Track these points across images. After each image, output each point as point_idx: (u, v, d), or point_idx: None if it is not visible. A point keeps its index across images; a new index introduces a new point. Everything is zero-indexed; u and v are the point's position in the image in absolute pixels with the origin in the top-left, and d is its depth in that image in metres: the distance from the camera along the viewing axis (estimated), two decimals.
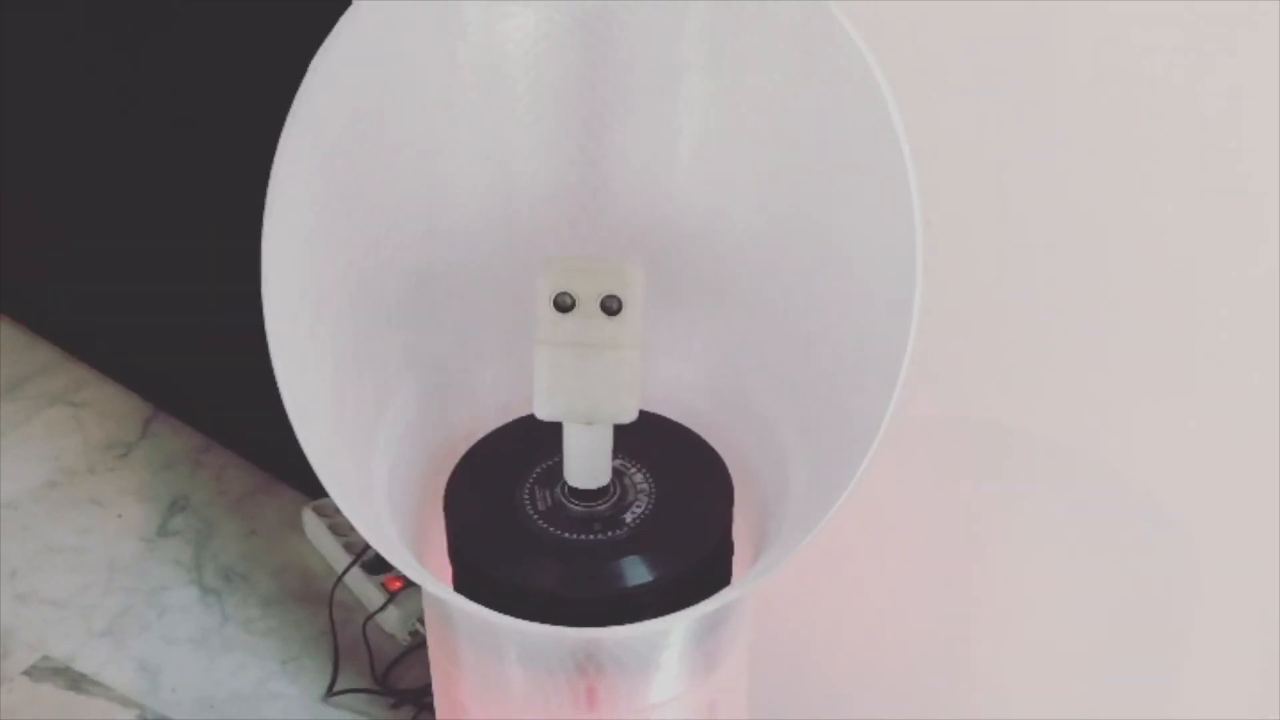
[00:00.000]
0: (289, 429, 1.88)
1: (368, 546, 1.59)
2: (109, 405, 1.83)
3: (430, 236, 0.72)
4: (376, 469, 0.76)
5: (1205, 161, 0.76)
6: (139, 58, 1.62)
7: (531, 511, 0.77)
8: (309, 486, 1.69)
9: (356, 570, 1.58)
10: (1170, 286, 0.81)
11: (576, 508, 0.77)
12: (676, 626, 0.73)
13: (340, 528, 1.62)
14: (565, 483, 0.77)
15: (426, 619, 0.82)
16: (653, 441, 0.80)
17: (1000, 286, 0.86)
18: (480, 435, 0.80)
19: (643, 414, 0.80)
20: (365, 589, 1.57)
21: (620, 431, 0.77)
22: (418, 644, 1.54)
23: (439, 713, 0.88)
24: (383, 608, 1.55)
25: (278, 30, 1.35)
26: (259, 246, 1.64)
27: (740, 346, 0.76)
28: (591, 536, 0.76)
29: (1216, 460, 0.86)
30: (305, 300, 0.67)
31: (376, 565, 1.58)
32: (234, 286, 1.68)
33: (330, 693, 1.51)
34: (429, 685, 1.44)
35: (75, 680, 1.53)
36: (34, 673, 1.54)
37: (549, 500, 0.77)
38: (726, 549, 0.77)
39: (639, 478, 0.78)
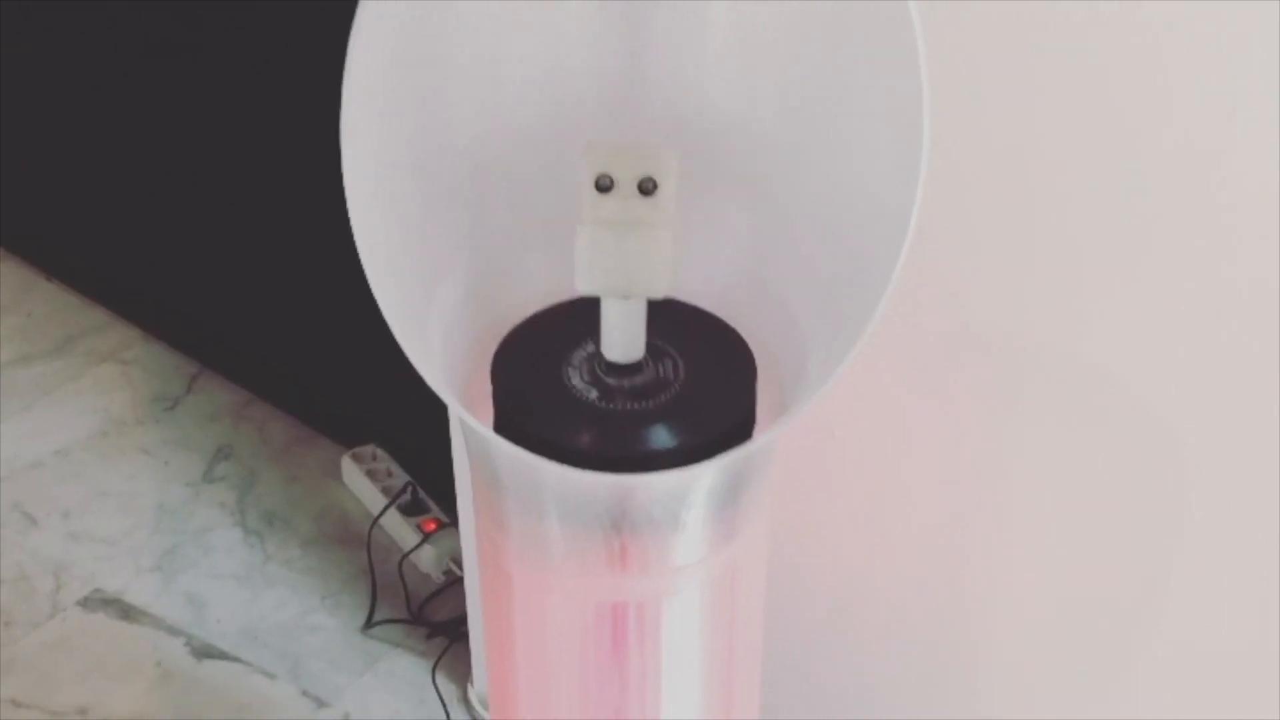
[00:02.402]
0: (328, 384, 1.98)
1: (403, 490, 1.66)
2: (156, 363, 1.91)
3: (483, 124, 0.79)
4: (432, 344, 0.83)
5: (1216, 67, 0.83)
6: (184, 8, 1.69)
7: (571, 384, 0.84)
8: (346, 437, 1.77)
9: (393, 512, 1.65)
10: (1182, 203, 0.88)
11: (612, 381, 0.84)
12: (702, 480, 0.80)
13: (377, 474, 1.70)
14: (603, 358, 0.84)
15: (474, 487, 0.89)
16: (684, 327, 0.87)
17: (1013, 200, 0.93)
18: (527, 317, 0.87)
19: (674, 302, 0.87)
20: (401, 530, 1.65)
21: (654, 316, 0.84)
22: (451, 582, 1.61)
23: (484, 590, 0.95)
24: (418, 546, 1.62)
25: None
26: (300, 212, 1.74)
27: (765, 233, 0.83)
28: (626, 406, 0.83)
29: (1220, 373, 0.93)
30: (372, 175, 0.74)
31: (412, 508, 1.66)
32: (277, 251, 1.76)
33: (368, 624, 1.59)
34: (463, 618, 1.52)
35: (126, 610, 1.61)
36: (87, 603, 1.62)
37: (587, 375, 0.84)
38: (749, 422, 0.84)
39: (670, 357, 0.86)
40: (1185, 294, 0.91)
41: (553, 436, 0.82)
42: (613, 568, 0.86)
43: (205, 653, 1.56)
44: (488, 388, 0.86)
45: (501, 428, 0.84)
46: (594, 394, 0.84)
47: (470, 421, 0.76)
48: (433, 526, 1.63)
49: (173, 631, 1.59)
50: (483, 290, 0.86)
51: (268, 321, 1.83)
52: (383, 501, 1.66)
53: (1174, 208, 0.88)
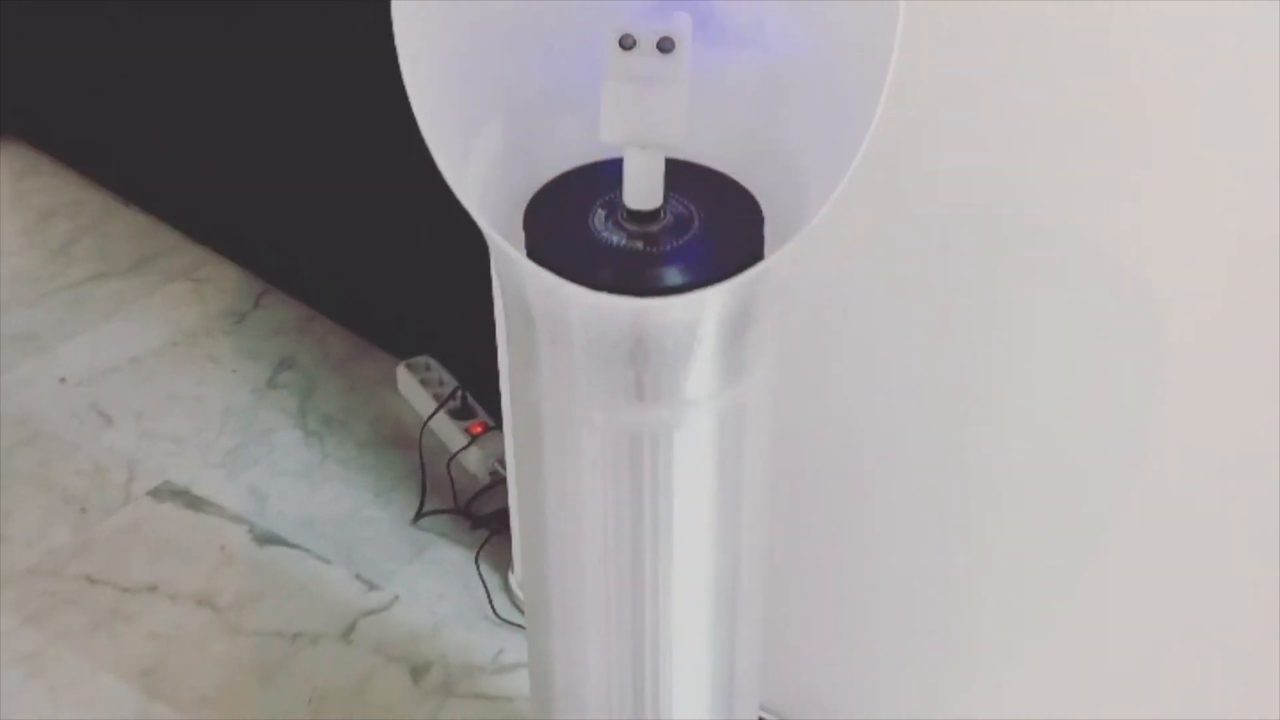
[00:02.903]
0: (384, 301, 2.08)
1: (452, 394, 1.77)
2: (225, 281, 2.03)
3: None
4: (469, 195, 0.93)
5: None
6: None
7: (596, 230, 0.94)
8: (400, 349, 1.88)
9: (443, 416, 1.76)
10: (1174, 74, 0.96)
11: (633, 228, 0.94)
12: (711, 305, 0.89)
13: (429, 382, 1.81)
14: (625, 208, 0.94)
15: (510, 331, 0.99)
16: (698, 184, 0.96)
17: (1001, 78, 1.02)
18: (556, 175, 0.97)
19: (689, 163, 0.97)
20: (451, 433, 1.75)
21: (671, 176, 0.94)
22: (496, 481, 1.71)
23: (516, 431, 1.05)
24: (465, 447, 1.73)
25: None
26: (358, 140, 1.84)
27: (768, 94, 0.93)
28: (644, 248, 0.93)
29: (1206, 241, 1.01)
30: (418, 24, 0.84)
31: (461, 412, 1.76)
32: (338, 178, 1.87)
33: (417, 516, 1.69)
34: (505, 512, 1.62)
35: (193, 501, 1.72)
36: (157, 494, 1.74)
37: (611, 223, 0.94)
38: (757, 261, 0.94)
39: (686, 209, 0.95)
40: (1169, 160, 0.99)
41: (578, 274, 0.91)
42: (630, 400, 0.95)
43: (266, 539, 1.68)
44: (520, 240, 0.96)
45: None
46: (615, 238, 0.94)
47: (503, 246, 0.86)
48: (479, 429, 1.73)
49: (236, 520, 1.70)
50: (519, 149, 0.96)
51: (329, 242, 1.94)
52: (434, 407, 1.77)
53: (1157, 72, 0.96)
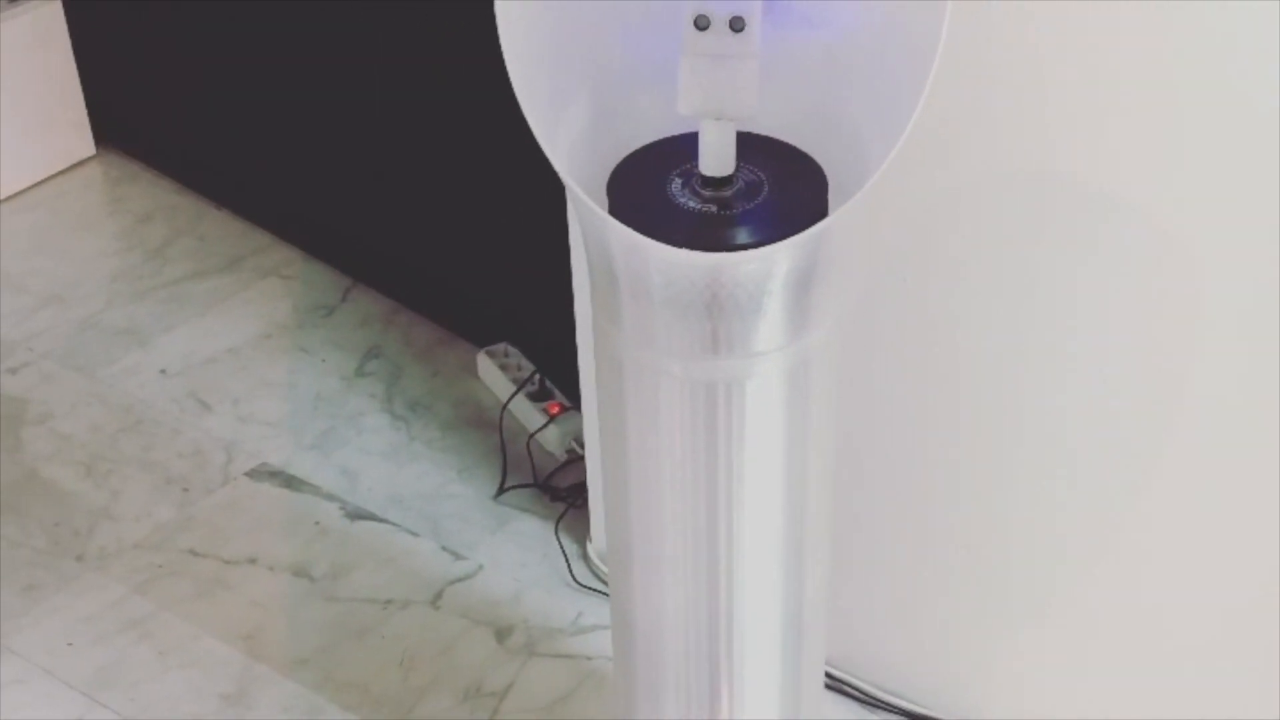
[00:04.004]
0: (466, 294, 2.19)
1: (530, 378, 1.86)
2: (314, 278, 2.14)
3: None
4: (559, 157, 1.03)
5: None
6: None
7: (673, 195, 1.03)
8: (481, 338, 1.98)
9: (521, 398, 1.86)
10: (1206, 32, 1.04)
11: (707, 193, 1.03)
12: (779, 260, 0.98)
13: (508, 367, 1.90)
14: (700, 176, 1.03)
15: (594, 292, 1.08)
16: (768, 155, 1.06)
17: (1038, 44, 1.11)
18: (637, 147, 1.07)
19: (759, 136, 1.06)
20: (529, 414, 1.85)
21: (743, 146, 1.03)
22: (573, 459, 1.81)
23: (599, 383, 1.14)
24: (544, 427, 1.82)
25: None
26: (440, 143, 1.94)
27: (831, 69, 1.02)
28: (719, 211, 1.02)
29: (1241, 198, 1.09)
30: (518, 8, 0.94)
31: (539, 394, 1.86)
32: (421, 179, 1.97)
33: (499, 492, 1.79)
34: (583, 486, 1.72)
35: (288, 480, 1.83)
36: (254, 474, 1.84)
37: (687, 190, 1.03)
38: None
39: (756, 176, 1.04)
40: (1201, 120, 1.07)
41: (657, 234, 1.00)
42: (705, 351, 1.05)
43: (357, 515, 1.78)
44: (605, 205, 1.05)
45: None
46: (692, 203, 1.03)
47: (590, 205, 0.95)
48: (557, 409, 1.83)
49: (329, 497, 1.80)
50: (602, 122, 1.06)
51: (414, 238, 2.04)
52: (513, 391, 1.86)
53: (1197, 38, 1.04)
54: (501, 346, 1.93)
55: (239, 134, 2.21)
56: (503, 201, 1.90)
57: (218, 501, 1.80)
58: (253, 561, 1.73)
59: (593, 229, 1.02)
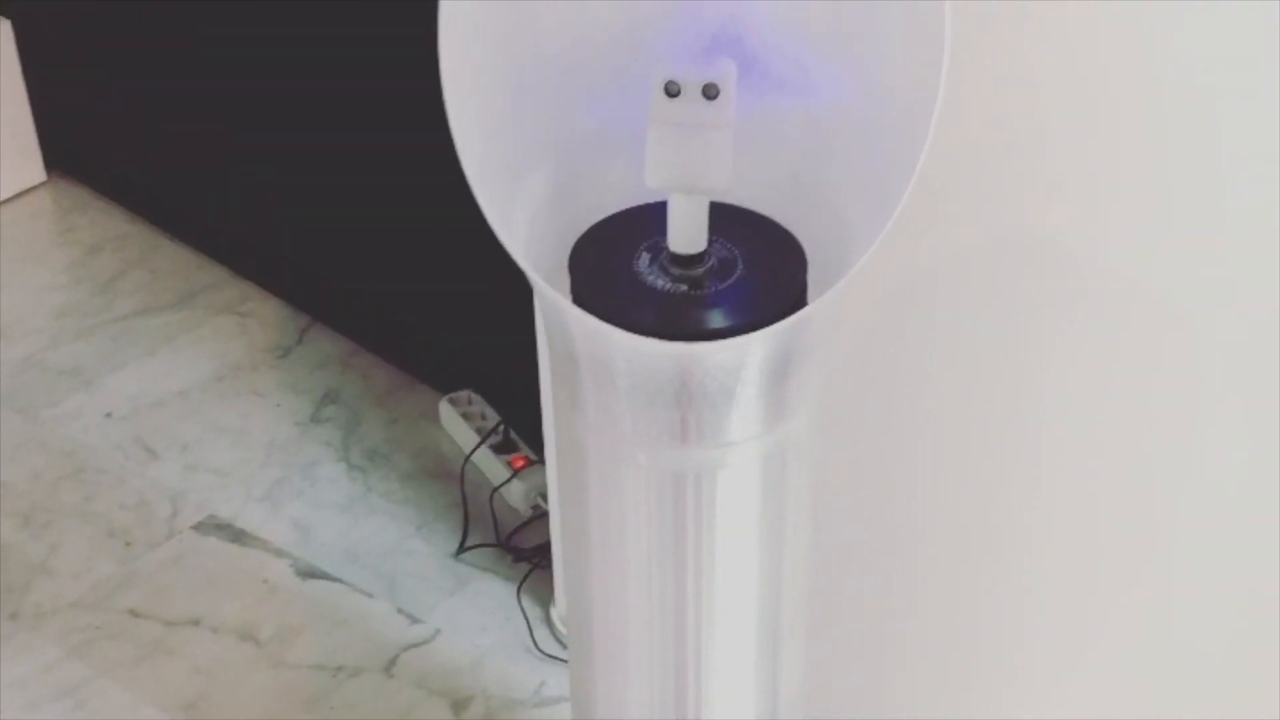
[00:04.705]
0: (428, 335, 2.10)
1: (494, 429, 1.78)
2: (270, 315, 2.05)
3: (569, 33, 0.90)
4: (516, 238, 0.95)
5: None
6: None
7: (640, 273, 0.95)
8: (443, 383, 1.89)
9: (485, 450, 1.77)
10: (1204, 106, 0.97)
11: (677, 272, 0.95)
12: (754, 350, 0.90)
13: (471, 416, 1.82)
14: (669, 252, 0.95)
15: (555, 371, 1.00)
16: (742, 228, 0.97)
17: (1030, 108, 1.03)
18: (601, 218, 0.98)
19: (733, 206, 0.98)
20: (492, 467, 1.76)
21: (716, 219, 0.95)
22: (538, 515, 1.72)
23: (560, 470, 1.06)
24: (508, 481, 1.74)
25: None
26: (403, 179, 1.86)
27: (813, 139, 0.94)
28: (689, 292, 0.94)
29: (1247, 275, 1.01)
30: (466, 67, 0.85)
31: (503, 446, 1.77)
32: (382, 214, 1.89)
33: (460, 550, 1.70)
34: (547, 546, 1.63)
35: (236, 534, 1.74)
36: (201, 527, 1.75)
37: (655, 266, 0.95)
38: (800, 307, 0.94)
39: (730, 253, 0.96)
40: (1207, 199, 1.00)
41: (622, 317, 0.92)
42: (674, 440, 0.96)
43: (309, 573, 1.69)
44: (567, 281, 0.97)
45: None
46: (660, 282, 0.95)
47: (549, 292, 0.87)
48: (521, 463, 1.74)
49: (279, 553, 1.71)
50: (565, 192, 0.97)
51: (375, 276, 1.96)
52: (476, 441, 1.78)
53: (1195, 111, 0.97)
54: (465, 394, 1.85)
55: (194, 162, 2.12)
56: (468, 240, 1.81)
57: (161, 557, 1.71)
58: (196, 623, 1.64)
59: (553, 312, 0.93)
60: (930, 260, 1.11)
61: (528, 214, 0.95)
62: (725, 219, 0.97)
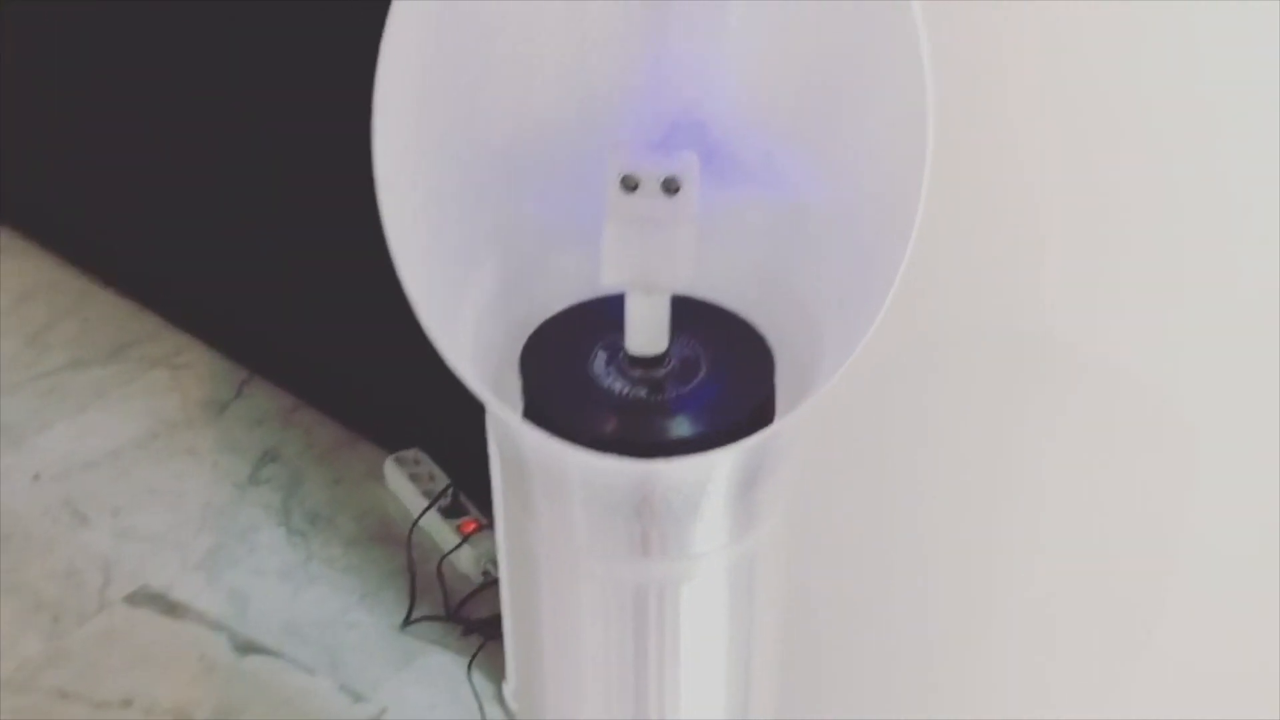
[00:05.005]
0: (372, 390, 2.02)
1: (443, 492, 1.70)
2: (206, 368, 1.97)
3: (517, 120, 0.83)
4: (462, 339, 0.87)
5: (1210, 77, 0.86)
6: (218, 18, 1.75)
7: (596, 375, 0.88)
8: (389, 441, 1.82)
9: (433, 514, 1.70)
10: (1196, 199, 0.91)
11: (636, 374, 0.88)
12: (721, 466, 0.83)
13: (419, 477, 1.74)
14: (627, 352, 0.88)
15: (502, 473, 0.93)
16: (705, 323, 0.91)
17: (1010, 196, 0.97)
18: (554, 313, 0.91)
19: (696, 300, 0.91)
20: (441, 531, 1.69)
21: (677, 314, 0.88)
22: (489, 583, 1.65)
23: (507, 572, 0.99)
24: (457, 548, 1.66)
25: None
26: (345, 225, 1.79)
27: (781, 231, 0.87)
28: (649, 396, 0.87)
29: (1229, 364, 0.95)
30: (405, 165, 0.78)
31: (452, 510, 1.70)
32: (324, 261, 1.81)
33: (406, 622, 1.63)
34: (499, 617, 1.56)
35: (170, 606, 1.66)
36: (133, 599, 1.67)
37: (613, 367, 0.88)
38: (768, 411, 0.88)
39: (692, 352, 0.89)
40: (1200, 290, 0.94)
41: (577, 425, 0.85)
42: (634, 553, 0.89)
43: (247, 647, 1.61)
44: (518, 380, 0.90)
45: (529, 416, 0.88)
46: (618, 385, 0.88)
47: (496, 406, 0.80)
48: (471, 528, 1.67)
49: (216, 626, 1.63)
50: (515, 286, 0.90)
51: (314, 329, 1.88)
52: (424, 504, 1.71)
53: (1188, 204, 0.91)
54: (412, 453, 1.77)
55: (128, 206, 2.04)
56: None
57: (91, 632, 1.63)
58: (128, 703, 1.55)
59: (503, 425, 0.86)
60: (911, 341, 1.05)
61: (475, 313, 0.88)
62: (687, 313, 0.90)
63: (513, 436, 0.87)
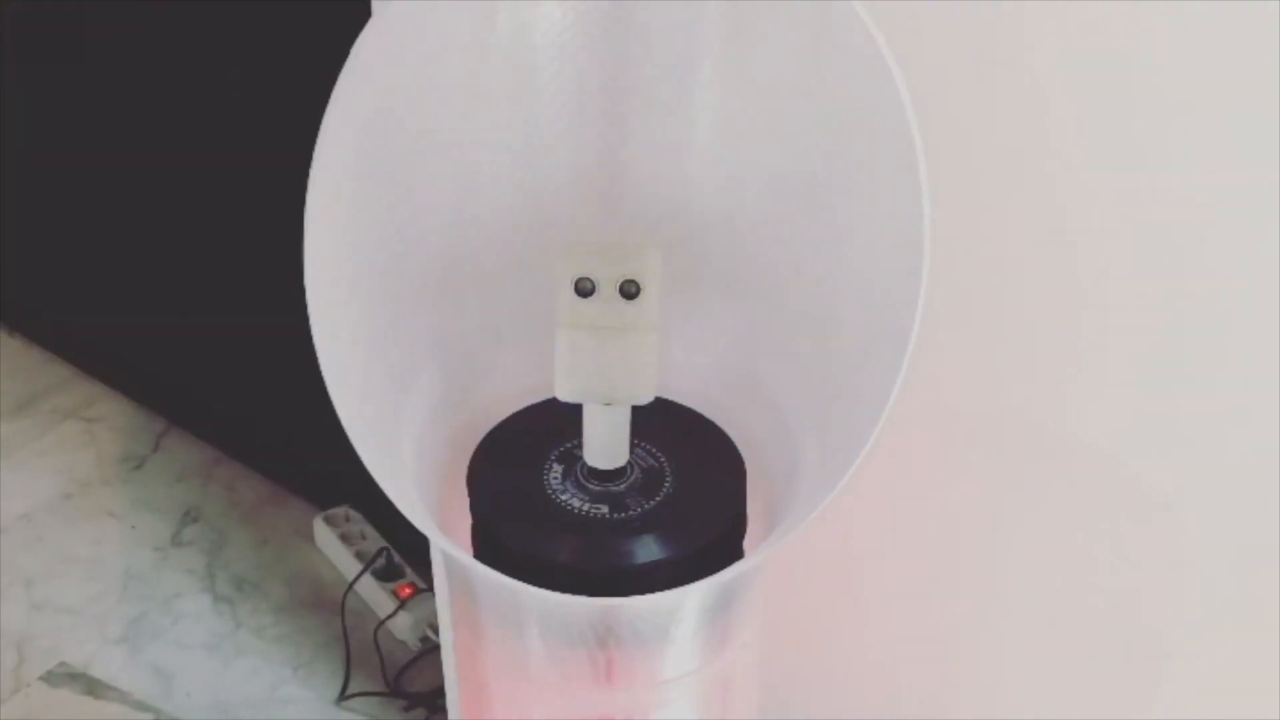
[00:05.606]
0: (298, 443, 1.92)
1: (378, 555, 1.62)
2: (122, 420, 1.86)
3: (456, 222, 0.75)
4: (403, 451, 0.79)
5: (1204, 155, 0.79)
6: (158, 67, 1.65)
7: (552, 490, 0.80)
8: (319, 497, 1.72)
9: (368, 578, 1.61)
10: (1169, 277, 0.84)
11: (595, 488, 0.80)
12: (691, 598, 0.75)
13: (351, 537, 1.65)
14: (585, 463, 0.80)
15: (451, 596, 0.85)
16: (669, 427, 0.83)
17: (999, 282, 0.89)
18: (503, 418, 0.83)
19: (659, 400, 0.83)
20: (377, 596, 1.60)
21: (638, 417, 0.80)
22: (429, 649, 1.57)
23: (461, 692, 0.91)
24: (394, 614, 1.58)
25: (299, 33, 1.39)
26: (266, 266, 1.69)
27: (753, 331, 0.79)
28: (610, 514, 0.79)
29: (1212, 450, 0.89)
30: (339, 280, 0.70)
31: (387, 573, 1.61)
32: (244, 305, 1.71)
33: (343, 696, 1.54)
34: (441, 688, 1.47)
35: (91, 685, 1.56)
36: (51, 678, 1.57)
37: (569, 480, 0.80)
38: (740, 528, 0.80)
39: (656, 461, 0.81)
40: (1182, 377, 0.88)
41: (534, 549, 0.77)
42: (598, 682, 0.82)
43: None
44: (464, 493, 0.82)
45: (480, 539, 0.80)
46: (576, 501, 0.80)
47: (444, 543, 0.72)
48: (408, 592, 1.58)
49: (140, 707, 1.53)
50: (458, 392, 0.82)
51: (236, 377, 1.78)
52: (357, 566, 1.62)
53: (1167, 290, 0.85)
54: (342, 510, 1.68)
55: (36, 250, 1.93)
56: None
57: (7, 717, 1.52)
58: None
59: (453, 560, 0.78)
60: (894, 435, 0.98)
61: (417, 425, 0.80)
62: (650, 415, 0.82)
63: (463, 573, 0.79)
